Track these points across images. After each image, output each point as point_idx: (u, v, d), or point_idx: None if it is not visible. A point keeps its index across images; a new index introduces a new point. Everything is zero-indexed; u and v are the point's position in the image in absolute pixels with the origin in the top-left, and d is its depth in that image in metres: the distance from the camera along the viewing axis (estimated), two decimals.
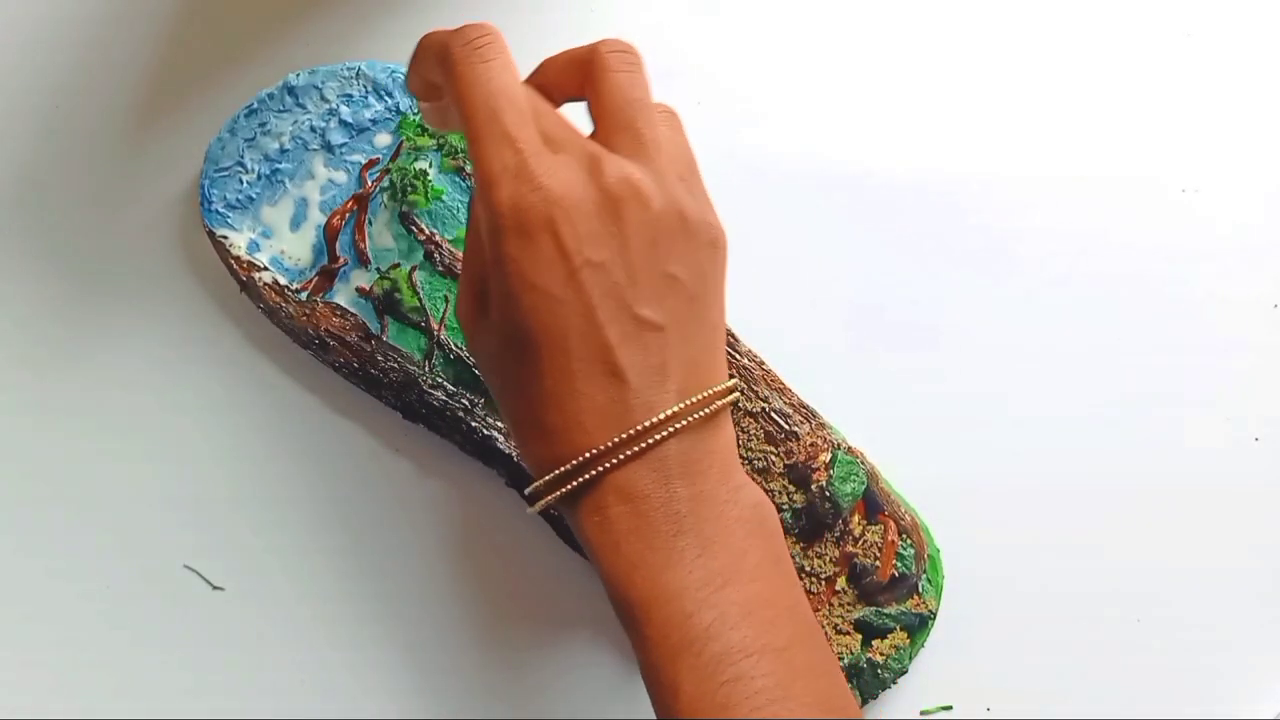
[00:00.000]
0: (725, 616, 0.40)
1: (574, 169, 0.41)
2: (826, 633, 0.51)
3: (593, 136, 0.43)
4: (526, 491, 0.42)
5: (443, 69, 0.42)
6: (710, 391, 0.42)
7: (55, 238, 0.54)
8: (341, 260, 0.52)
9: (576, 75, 0.43)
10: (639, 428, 0.41)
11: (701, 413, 0.42)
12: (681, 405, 0.41)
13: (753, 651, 0.40)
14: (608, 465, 0.41)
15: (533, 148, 0.41)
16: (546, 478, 0.42)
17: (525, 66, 0.54)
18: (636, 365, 0.41)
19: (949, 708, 0.53)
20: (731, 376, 0.49)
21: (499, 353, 0.42)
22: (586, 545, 0.42)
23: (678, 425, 0.41)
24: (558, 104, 0.43)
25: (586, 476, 0.41)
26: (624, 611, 0.42)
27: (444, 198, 0.53)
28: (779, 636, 0.41)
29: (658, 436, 0.41)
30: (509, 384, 0.42)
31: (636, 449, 0.41)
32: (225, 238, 0.52)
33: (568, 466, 0.41)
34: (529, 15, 0.55)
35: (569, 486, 0.41)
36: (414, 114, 0.53)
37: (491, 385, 0.43)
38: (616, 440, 0.41)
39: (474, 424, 0.52)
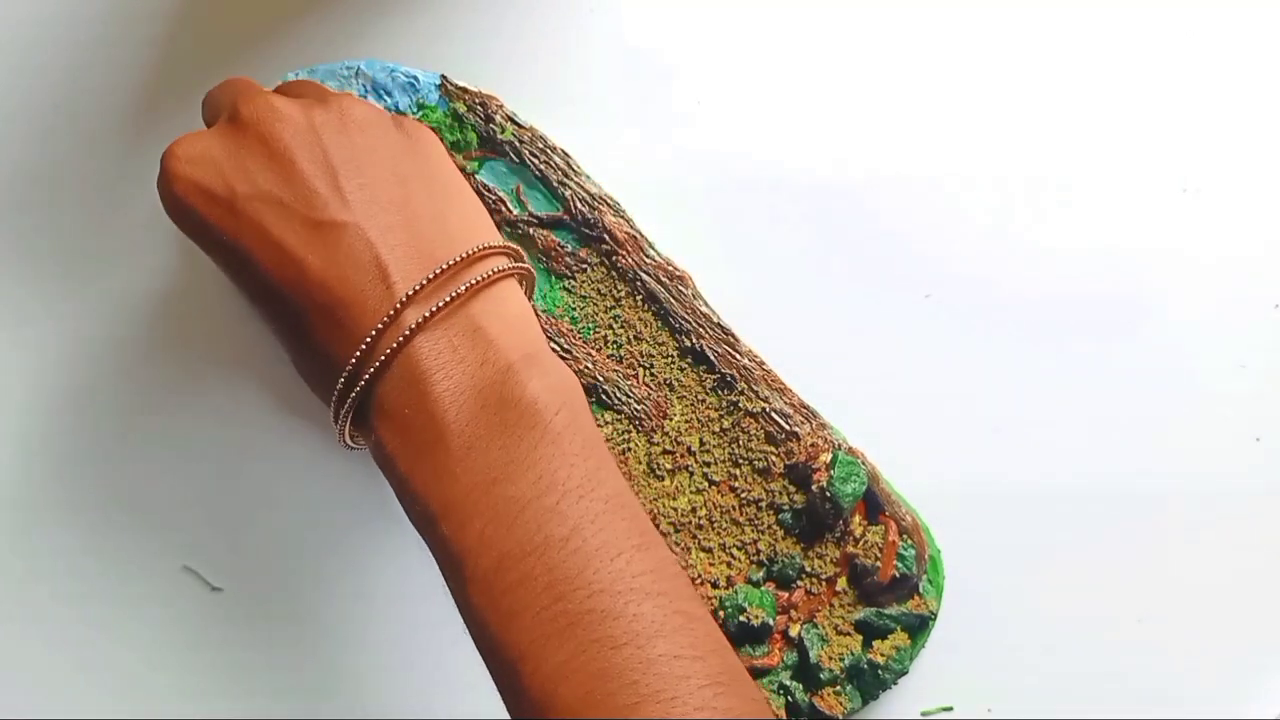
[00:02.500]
0: (499, 517, 0.38)
1: (206, 137, 0.44)
2: (827, 633, 0.51)
3: None
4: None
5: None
6: (444, 267, 0.41)
7: (55, 237, 0.54)
8: None
9: None
10: (369, 336, 0.40)
11: (446, 297, 0.40)
12: (413, 289, 0.40)
13: (530, 550, 0.37)
14: (361, 385, 0.40)
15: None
16: (332, 413, 0.42)
17: (525, 67, 0.54)
18: (337, 273, 0.40)
19: (949, 708, 0.53)
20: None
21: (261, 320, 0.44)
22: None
23: (416, 321, 0.40)
24: None
25: (345, 406, 0.41)
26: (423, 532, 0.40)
27: None
28: (561, 525, 0.38)
29: (396, 343, 0.40)
30: (280, 340, 0.43)
31: (379, 362, 0.40)
32: None
33: (333, 399, 0.41)
34: (529, 16, 0.54)
35: (341, 420, 0.41)
36: (414, 114, 0.52)
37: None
38: (356, 356, 0.40)
39: None
